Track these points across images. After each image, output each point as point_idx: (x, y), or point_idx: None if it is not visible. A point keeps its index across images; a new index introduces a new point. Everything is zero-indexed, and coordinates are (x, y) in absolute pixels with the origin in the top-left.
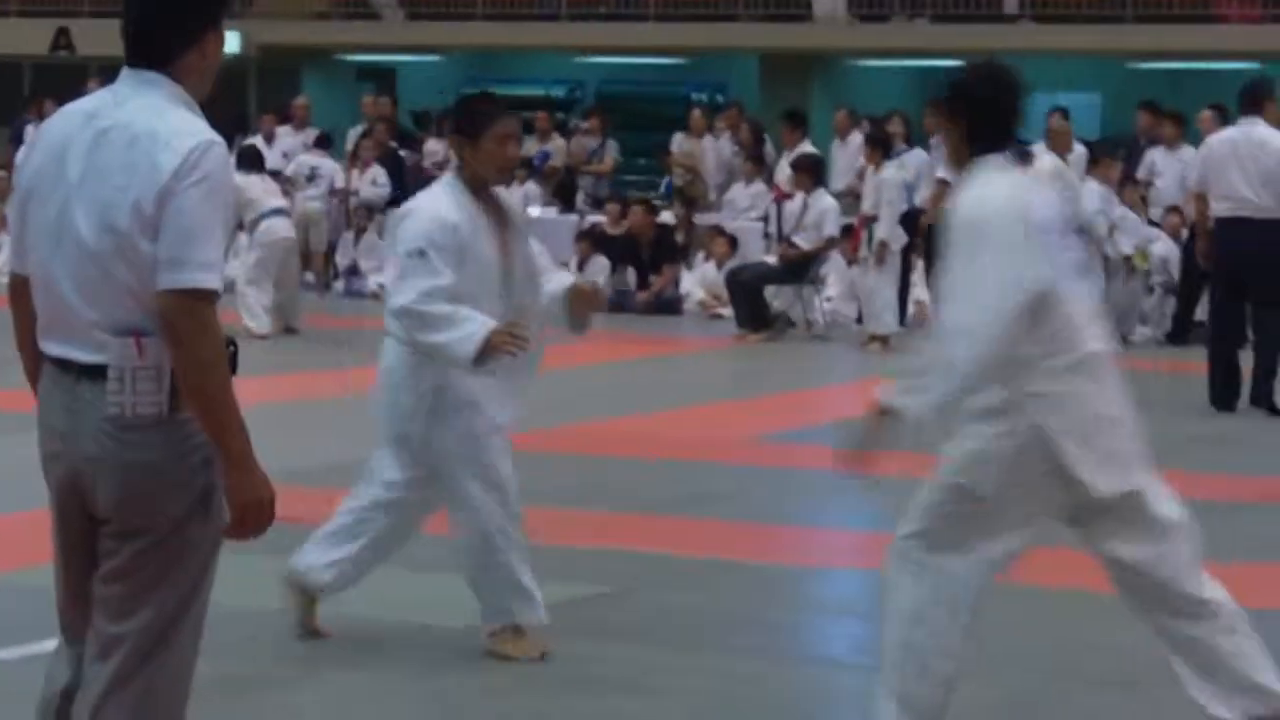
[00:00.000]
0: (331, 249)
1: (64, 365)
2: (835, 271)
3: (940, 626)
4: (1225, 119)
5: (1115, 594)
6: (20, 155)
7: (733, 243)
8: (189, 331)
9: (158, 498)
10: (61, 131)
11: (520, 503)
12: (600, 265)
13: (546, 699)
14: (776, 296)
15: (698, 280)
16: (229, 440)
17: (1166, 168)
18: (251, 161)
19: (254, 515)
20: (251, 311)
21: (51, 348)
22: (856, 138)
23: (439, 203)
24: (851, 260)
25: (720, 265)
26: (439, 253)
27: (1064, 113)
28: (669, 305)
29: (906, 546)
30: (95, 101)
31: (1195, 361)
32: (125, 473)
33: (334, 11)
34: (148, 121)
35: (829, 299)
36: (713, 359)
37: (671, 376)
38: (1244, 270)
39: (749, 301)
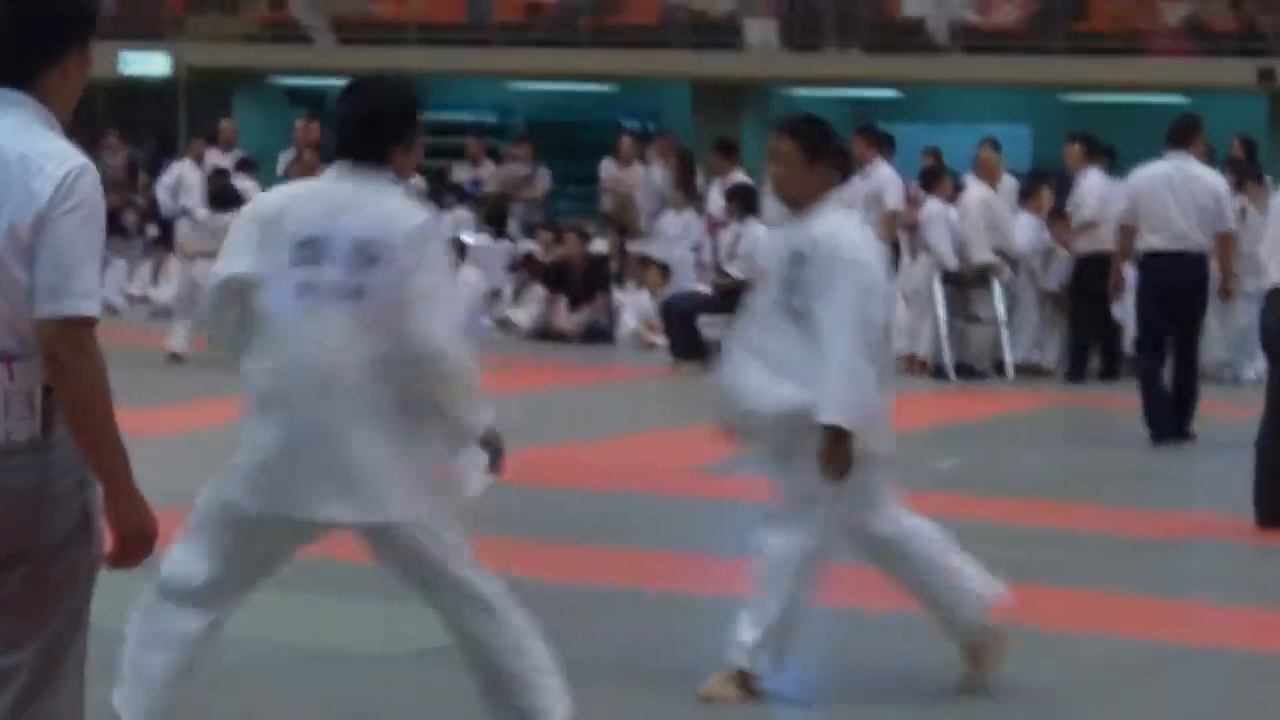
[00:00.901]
0: None
1: None
2: None
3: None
4: (1091, 151)
5: None
6: None
7: (665, 271)
8: (71, 359)
9: (38, 522)
10: None
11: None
12: (536, 294)
13: None
14: (709, 325)
15: (632, 310)
16: (111, 467)
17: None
18: (230, 200)
19: (137, 544)
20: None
21: None
22: None
23: None
24: None
25: (654, 294)
26: None
27: (994, 143)
28: (602, 333)
29: None
30: None
31: (1102, 395)
32: (3, 499)
33: (263, 34)
34: (16, 144)
35: None
36: (645, 388)
37: (603, 405)
38: (1175, 301)
39: (683, 330)
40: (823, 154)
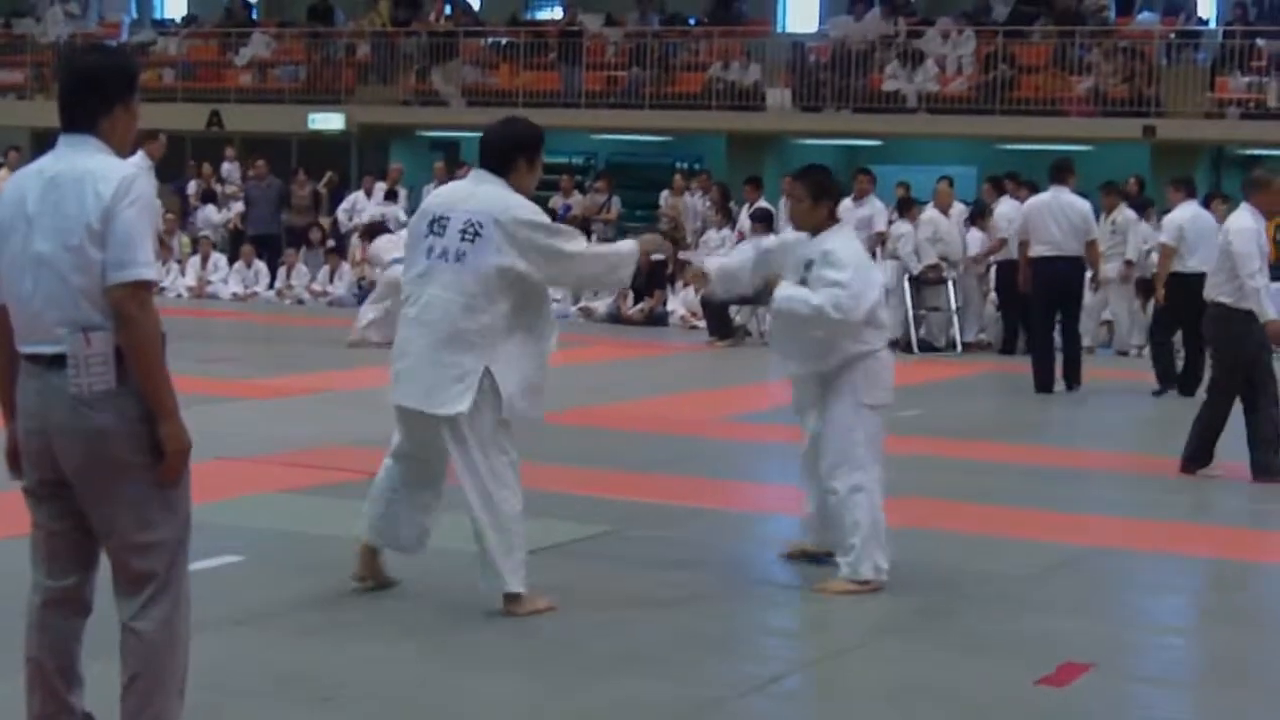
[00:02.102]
0: None
1: (34, 359)
2: None
3: None
4: (1000, 188)
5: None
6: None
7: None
8: (134, 312)
9: (115, 453)
10: (19, 187)
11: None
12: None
13: (568, 613)
14: (738, 313)
15: (680, 301)
16: (162, 399)
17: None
18: (378, 231)
19: (179, 460)
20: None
21: (25, 348)
22: None
23: None
24: None
25: (697, 290)
26: None
27: (949, 181)
28: (658, 319)
29: None
30: (42, 162)
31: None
32: (88, 437)
33: (414, 99)
34: (85, 165)
35: None
36: (690, 359)
37: (659, 372)
38: (1055, 292)
39: (717, 317)
40: (824, 194)
